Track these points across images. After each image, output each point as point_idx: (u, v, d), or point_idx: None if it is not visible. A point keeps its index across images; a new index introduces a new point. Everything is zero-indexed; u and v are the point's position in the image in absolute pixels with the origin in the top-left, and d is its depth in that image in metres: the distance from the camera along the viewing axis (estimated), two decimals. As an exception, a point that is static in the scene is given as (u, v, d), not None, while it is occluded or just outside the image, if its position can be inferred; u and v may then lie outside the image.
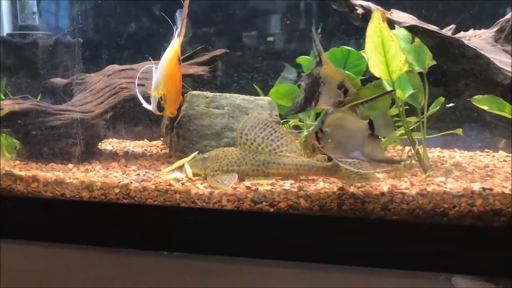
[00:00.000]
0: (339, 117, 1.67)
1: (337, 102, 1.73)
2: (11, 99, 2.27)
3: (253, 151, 1.95)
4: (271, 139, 1.96)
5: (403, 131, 2.45)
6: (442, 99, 2.13)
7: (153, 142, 2.91)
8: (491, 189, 1.66)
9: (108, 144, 2.79)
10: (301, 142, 2.22)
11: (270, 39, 2.95)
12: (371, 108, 2.07)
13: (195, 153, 2.03)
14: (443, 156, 2.47)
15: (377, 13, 1.77)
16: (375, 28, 1.78)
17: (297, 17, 2.89)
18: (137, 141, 2.93)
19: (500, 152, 2.52)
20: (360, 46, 2.20)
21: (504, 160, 2.35)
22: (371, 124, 1.63)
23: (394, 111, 2.17)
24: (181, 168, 2.01)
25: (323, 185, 1.81)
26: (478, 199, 1.64)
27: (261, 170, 1.94)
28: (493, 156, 2.47)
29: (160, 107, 1.87)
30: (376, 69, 1.87)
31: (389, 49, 1.81)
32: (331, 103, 1.74)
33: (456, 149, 2.63)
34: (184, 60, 2.44)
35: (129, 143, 2.89)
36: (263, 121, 1.97)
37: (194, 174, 1.97)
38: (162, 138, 2.85)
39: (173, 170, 2.00)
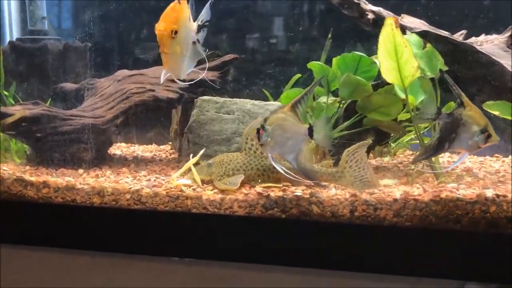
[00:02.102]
0: (282, 118, 1.71)
1: (476, 146, 1.72)
2: (22, 105, 2.28)
3: (258, 156, 1.95)
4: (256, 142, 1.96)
5: (411, 137, 2.46)
6: (452, 104, 2.12)
7: (162, 147, 2.92)
8: (504, 196, 1.65)
9: (117, 149, 2.79)
10: (312, 147, 2.21)
11: (281, 44, 2.95)
12: (382, 113, 2.07)
13: (198, 155, 2.00)
14: (453, 161, 2.46)
15: (390, 19, 1.76)
16: (388, 34, 1.78)
17: (308, 23, 2.88)
18: (145, 146, 2.93)
19: (511, 157, 2.51)
20: (370, 51, 2.20)
21: (515, 165, 2.34)
22: (310, 130, 1.67)
23: (405, 116, 2.17)
24: (186, 173, 2.01)
25: (335, 192, 1.81)
26: (492, 206, 1.63)
27: (266, 175, 1.94)
28: (504, 161, 2.46)
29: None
30: (389, 75, 1.86)
31: (401, 55, 1.80)
32: (468, 147, 1.74)
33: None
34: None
35: (137, 147, 2.89)
36: None
37: (201, 180, 1.96)
38: (170, 143, 2.86)
39: (182, 175, 1.99)
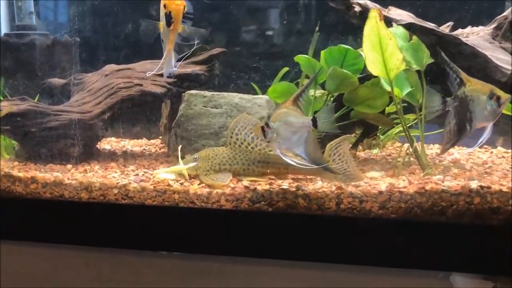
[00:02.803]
0: (284, 112, 1.72)
1: (494, 113, 1.70)
2: (9, 100, 2.27)
3: (243, 150, 1.96)
4: (261, 139, 1.97)
5: (401, 129, 2.46)
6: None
7: (152, 141, 2.91)
8: (489, 187, 1.66)
9: (107, 144, 2.79)
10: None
11: (268, 37, 2.93)
12: (368, 106, 2.08)
13: (189, 165, 1.96)
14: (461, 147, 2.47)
15: (374, 12, 1.76)
16: (372, 27, 1.78)
17: (294, 15, 2.87)
18: (135, 140, 2.93)
19: (499, 148, 2.52)
20: (357, 43, 2.20)
21: (503, 157, 2.35)
22: (314, 121, 1.68)
23: (392, 108, 2.18)
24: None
25: (321, 184, 1.82)
26: (476, 197, 1.64)
27: (251, 169, 1.95)
28: (492, 153, 2.47)
29: (168, 22, 1.78)
30: (374, 68, 1.86)
31: (386, 48, 1.80)
32: (488, 117, 1.72)
33: (455, 146, 2.63)
34: (181, 59, 2.45)
35: (127, 142, 2.89)
36: (253, 122, 1.98)
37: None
38: (160, 137, 2.85)
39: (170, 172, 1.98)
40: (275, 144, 1.74)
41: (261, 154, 1.95)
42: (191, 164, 1.94)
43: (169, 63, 1.86)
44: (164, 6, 1.75)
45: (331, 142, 1.81)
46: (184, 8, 1.73)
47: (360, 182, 1.81)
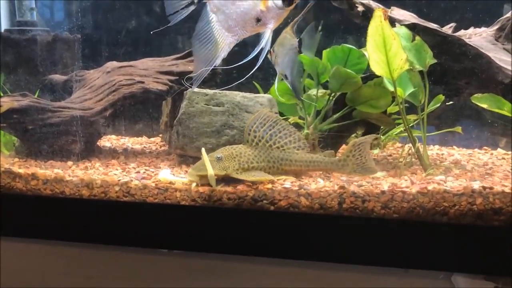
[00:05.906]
0: (283, 37, 1.88)
1: None
2: (10, 96, 2.25)
3: (265, 148, 1.94)
4: (279, 136, 1.95)
5: (401, 129, 2.47)
6: (441, 96, 2.13)
7: (152, 139, 2.91)
8: (491, 188, 1.66)
9: (107, 141, 2.78)
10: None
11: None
12: (371, 106, 2.08)
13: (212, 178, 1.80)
14: (442, 154, 2.48)
15: (379, 11, 1.76)
16: (377, 26, 1.78)
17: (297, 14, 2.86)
18: (135, 138, 2.92)
19: (499, 149, 2.53)
20: (360, 43, 2.20)
21: (503, 158, 2.35)
22: (299, 43, 1.84)
23: (393, 109, 2.18)
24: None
25: (323, 184, 1.81)
26: (478, 198, 1.64)
27: (276, 167, 1.93)
28: (492, 154, 2.48)
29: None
30: (377, 68, 1.86)
31: (390, 48, 1.80)
32: None
33: (454, 147, 2.64)
34: (184, 57, 2.44)
35: (127, 139, 2.88)
36: (272, 119, 1.95)
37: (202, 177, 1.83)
38: (160, 135, 2.85)
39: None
40: (276, 66, 1.90)
41: (284, 152, 1.94)
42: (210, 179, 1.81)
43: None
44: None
45: (355, 140, 1.91)
46: None
47: (363, 182, 1.81)
